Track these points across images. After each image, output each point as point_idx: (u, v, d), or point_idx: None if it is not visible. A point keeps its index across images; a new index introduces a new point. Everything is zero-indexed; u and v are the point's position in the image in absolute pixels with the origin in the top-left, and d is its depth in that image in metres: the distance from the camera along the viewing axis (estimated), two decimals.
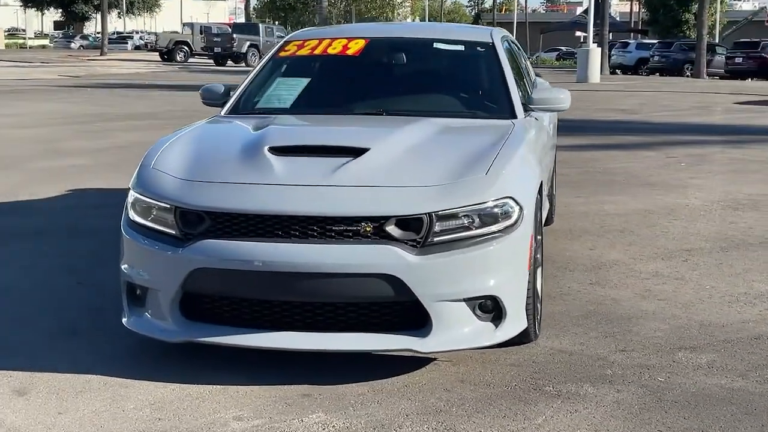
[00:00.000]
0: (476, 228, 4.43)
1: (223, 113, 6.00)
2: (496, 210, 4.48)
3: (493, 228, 4.46)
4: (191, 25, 53.92)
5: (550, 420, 4.10)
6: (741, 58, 42.40)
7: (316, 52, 6.24)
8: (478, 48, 6.29)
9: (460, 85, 6.23)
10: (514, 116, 5.68)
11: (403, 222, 4.36)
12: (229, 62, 47.50)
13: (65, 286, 6.14)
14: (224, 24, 60.07)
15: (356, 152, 4.73)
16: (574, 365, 4.74)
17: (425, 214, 4.36)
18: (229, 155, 4.90)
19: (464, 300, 4.41)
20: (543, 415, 4.15)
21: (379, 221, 4.34)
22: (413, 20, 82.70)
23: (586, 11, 40.01)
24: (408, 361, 4.67)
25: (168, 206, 4.57)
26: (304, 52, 6.28)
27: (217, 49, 47.44)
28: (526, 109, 5.84)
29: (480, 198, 4.46)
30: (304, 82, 6.07)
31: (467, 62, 6.34)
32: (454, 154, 4.83)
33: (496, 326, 4.51)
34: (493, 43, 6.28)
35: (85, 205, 9.01)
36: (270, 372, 4.61)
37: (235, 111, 6.01)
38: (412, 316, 4.43)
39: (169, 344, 4.69)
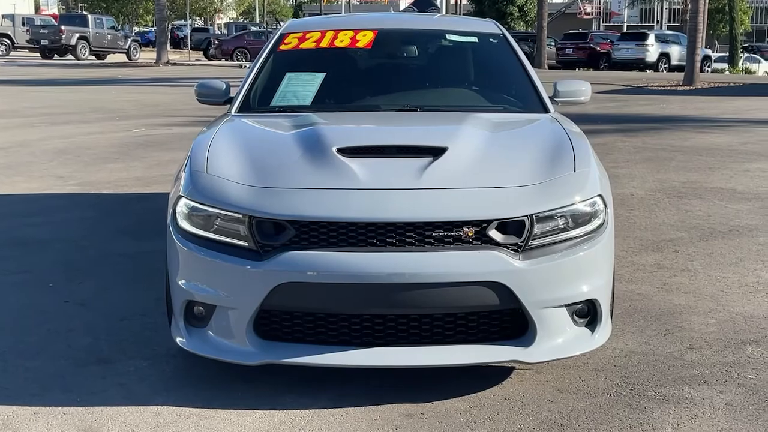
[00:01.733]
0: (571, 229, 4.22)
1: (234, 111, 5.54)
2: (587, 209, 4.28)
3: (587, 228, 4.26)
4: (11, 17, 51.20)
5: (678, 429, 3.94)
6: (571, 49, 43.85)
7: (323, 44, 5.86)
8: (491, 39, 6.06)
9: (484, 78, 6.00)
10: (546, 110, 5.50)
11: (504, 225, 4.10)
12: (56, 56, 45.39)
13: (53, 306, 5.54)
14: (48, 16, 57.34)
15: (434, 152, 4.43)
16: (657, 366, 4.60)
17: (526, 216, 4.12)
18: (293, 158, 4.49)
19: (565, 306, 4.19)
20: (668, 423, 3.98)
21: (481, 225, 4.06)
22: (237, 11, 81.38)
23: (414, 3, 40.33)
24: (488, 372, 4.40)
25: (239, 216, 4.14)
26: (308, 45, 5.88)
27: (44, 42, 45.14)
28: (552, 101, 5.67)
29: (574, 197, 4.26)
30: (319, 77, 5.68)
31: (485, 54, 6.10)
32: (530, 152, 4.60)
33: (592, 331, 4.31)
34: (503, 34, 6.08)
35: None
36: (352, 393, 4.26)
37: (246, 109, 5.56)
38: (514, 325, 4.18)
39: (223, 365, 4.26)
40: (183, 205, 4.34)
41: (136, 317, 5.26)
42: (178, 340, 4.33)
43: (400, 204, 4.09)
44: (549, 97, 5.67)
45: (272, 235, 4.11)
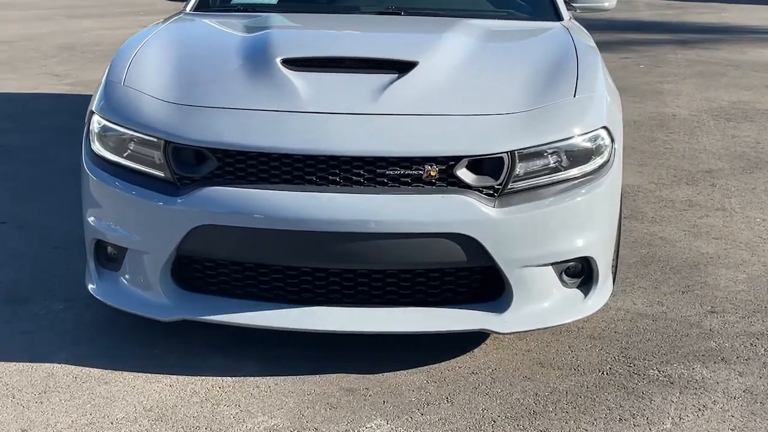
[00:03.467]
0: (565, 169, 3.39)
1: (189, 9, 4.73)
2: (587, 144, 3.45)
3: (586, 168, 3.43)
4: None
5: (680, 424, 3.16)
6: None
7: None
8: None
9: None
10: (559, 17, 4.62)
11: (477, 164, 3.30)
12: None
13: None
14: None
15: (401, 67, 3.60)
16: (667, 335, 3.80)
17: (506, 152, 3.30)
18: (228, 69, 3.70)
19: (552, 264, 3.39)
20: (668, 416, 3.21)
21: (448, 163, 3.26)
22: None
23: None
24: (457, 338, 3.63)
25: (154, 140, 3.38)
26: None
27: None
28: (568, 8, 4.77)
29: (571, 129, 3.42)
30: None
31: None
32: (523, 70, 3.75)
33: (586, 294, 3.52)
34: None
35: None
36: (286, 356, 3.54)
37: (204, 7, 4.76)
38: (486, 286, 3.41)
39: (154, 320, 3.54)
40: (95, 123, 3.58)
41: (74, 247, 4.55)
42: (89, 286, 3.63)
43: (347, 133, 3.29)
44: (565, 1, 4.77)
45: (192, 165, 3.35)
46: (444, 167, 3.26)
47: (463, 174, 3.27)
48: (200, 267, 3.44)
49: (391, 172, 3.26)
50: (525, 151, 3.32)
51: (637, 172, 6.25)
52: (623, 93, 8.98)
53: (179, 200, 3.28)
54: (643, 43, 12.93)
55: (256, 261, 3.37)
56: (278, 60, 3.63)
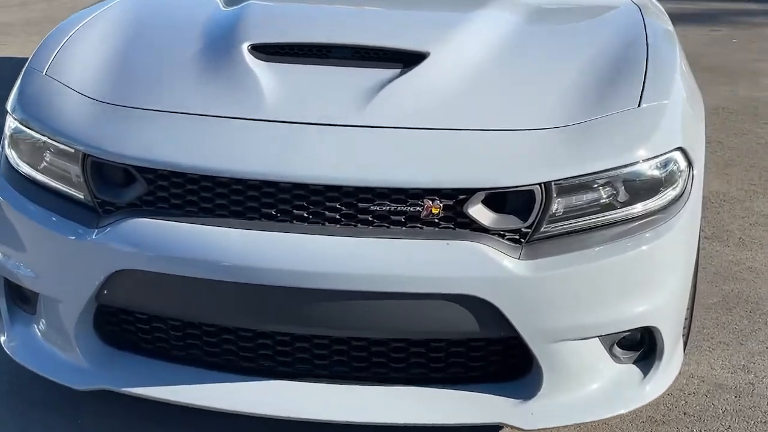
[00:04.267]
0: (622, 206, 2.46)
1: None
2: (655, 172, 2.51)
3: (652, 204, 2.51)
4: None
5: None
6: None
7: None
8: None
9: None
10: None
11: (499, 198, 2.39)
12: None
13: None
14: None
15: (404, 59, 2.69)
16: (755, 420, 2.86)
17: (539, 184, 2.38)
18: (183, 58, 2.83)
19: (599, 336, 2.47)
20: None
21: (457, 197, 2.37)
22: None
23: None
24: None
25: (71, 150, 2.54)
26: None
27: None
28: None
29: (634, 151, 2.49)
30: None
31: None
32: (571, 65, 2.80)
33: (645, 373, 2.59)
34: None
35: None
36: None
37: None
38: (506, 363, 2.51)
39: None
40: (8, 123, 2.76)
41: None
42: (1, 338, 2.82)
43: (321, 152, 2.41)
44: None
45: (117, 187, 2.51)
46: (451, 202, 2.36)
47: (478, 212, 2.37)
48: (131, 319, 2.61)
49: (379, 208, 2.37)
50: (567, 183, 2.40)
51: (723, 174, 5.25)
52: (711, 72, 7.94)
53: (95, 234, 2.44)
54: (736, 14, 11.68)
55: (196, 319, 2.52)
56: (245, 46, 2.76)
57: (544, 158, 2.41)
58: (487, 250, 2.35)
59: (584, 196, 2.44)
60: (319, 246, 2.34)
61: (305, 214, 2.38)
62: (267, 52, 2.74)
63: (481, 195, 2.36)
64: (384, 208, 2.37)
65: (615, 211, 2.46)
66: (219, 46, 2.81)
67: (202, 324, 2.53)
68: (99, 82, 2.69)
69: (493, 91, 2.63)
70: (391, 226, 2.38)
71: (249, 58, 2.70)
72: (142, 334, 2.61)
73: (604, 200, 2.45)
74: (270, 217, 2.39)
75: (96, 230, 2.45)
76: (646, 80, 2.67)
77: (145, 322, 2.59)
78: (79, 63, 2.80)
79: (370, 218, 2.38)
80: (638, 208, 2.48)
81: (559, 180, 2.39)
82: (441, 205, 2.37)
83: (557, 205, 2.41)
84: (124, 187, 2.48)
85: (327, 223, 2.38)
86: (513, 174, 2.38)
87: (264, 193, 2.39)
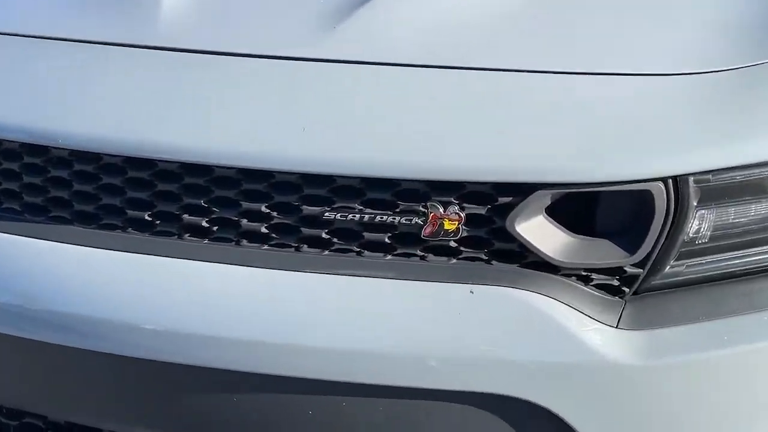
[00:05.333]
0: None
1: None
2: None
3: None
4: None
5: None
6: None
7: None
8: None
9: None
10: None
11: (578, 207, 1.18)
12: None
13: None
14: None
15: None
16: None
17: (661, 179, 1.17)
18: None
19: None
20: None
21: (494, 200, 1.19)
22: None
23: None
24: None
25: None
26: None
27: None
28: None
29: None
30: None
31: None
32: None
33: None
34: None
35: None
36: None
37: None
38: None
39: None
40: None
41: None
42: None
43: (244, 112, 1.25)
44: None
45: None
46: (483, 211, 1.19)
47: (537, 232, 1.19)
48: None
49: (341, 216, 1.21)
50: (721, 179, 1.19)
51: None
52: None
53: None
54: None
55: (31, 409, 1.40)
56: None
57: (675, 130, 1.20)
58: (553, 307, 1.16)
59: (755, 207, 1.22)
60: (223, 284, 1.20)
61: (204, 224, 1.25)
62: None
63: (544, 198, 1.18)
64: (352, 217, 1.21)
65: None
66: None
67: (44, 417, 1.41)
68: None
69: (570, 12, 1.40)
70: (366, 252, 1.22)
71: None
72: None
73: None
74: (140, 226, 1.27)
75: None
76: None
77: None
78: None
79: (324, 236, 1.22)
80: None
81: (705, 173, 1.18)
82: (462, 214, 1.19)
83: (700, 223, 1.20)
84: None
85: (244, 242, 1.24)
86: (611, 158, 1.18)
87: (131, 182, 1.27)
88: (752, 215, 1.22)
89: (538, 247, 1.18)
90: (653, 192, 1.17)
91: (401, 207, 1.21)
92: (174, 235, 1.27)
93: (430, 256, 1.22)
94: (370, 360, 1.17)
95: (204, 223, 1.26)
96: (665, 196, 1.17)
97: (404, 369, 1.17)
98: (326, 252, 1.23)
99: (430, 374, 1.16)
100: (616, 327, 1.18)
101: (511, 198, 1.18)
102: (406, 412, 1.20)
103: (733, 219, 1.22)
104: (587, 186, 1.17)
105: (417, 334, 1.17)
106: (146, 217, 1.27)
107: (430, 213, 1.20)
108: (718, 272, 1.24)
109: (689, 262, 1.22)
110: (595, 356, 1.15)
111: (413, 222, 1.20)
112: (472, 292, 1.17)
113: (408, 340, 1.17)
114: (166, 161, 1.24)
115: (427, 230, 1.20)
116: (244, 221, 1.24)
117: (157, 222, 1.27)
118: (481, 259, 1.21)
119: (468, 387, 1.16)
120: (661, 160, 1.17)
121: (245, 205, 1.24)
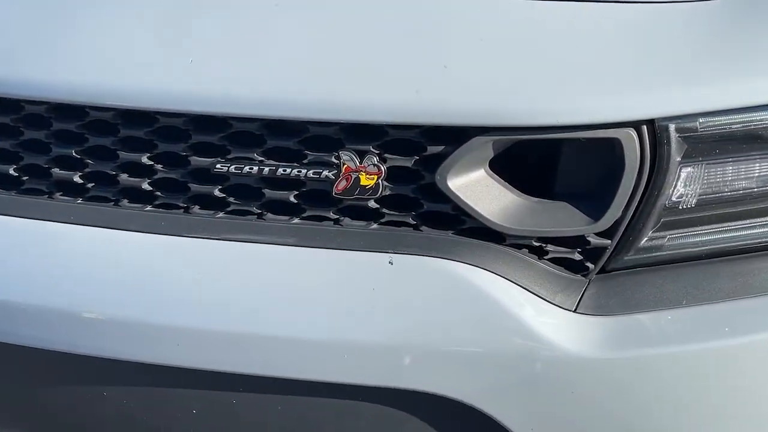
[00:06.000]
0: None
1: None
2: None
3: None
4: None
5: None
6: None
7: None
8: None
9: None
10: None
11: (528, 161, 0.95)
12: None
13: None
14: None
15: None
16: None
17: (632, 124, 0.93)
18: None
19: None
20: None
21: (422, 149, 0.95)
22: None
23: None
24: None
25: None
26: None
27: None
28: None
29: None
30: None
31: None
32: None
33: None
34: None
35: None
36: None
37: None
38: None
39: None
40: None
41: None
42: None
43: (131, 39, 1.03)
44: None
45: None
46: (410, 163, 0.95)
47: (477, 191, 0.94)
48: None
49: (239, 171, 0.98)
50: (711, 125, 0.93)
51: None
52: None
53: None
54: None
55: None
56: None
57: (651, 61, 0.95)
58: (493, 284, 0.92)
59: (759, 165, 0.97)
60: (91, 252, 0.99)
61: (77, 179, 1.03)
62: None
63: (484, 147, 0.94)
64: (249, 170, 0.98)
65: None
66: None
67: None
68: None
69: None
70: (269, 215, 0.99)
71: None
72: None
73: None
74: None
75: None
76: None
77: None
78: None
79: (217, 194, 1.00)
80: None
81: (691, 117, 0.93)
82: (383, 167, 0.95)
83: (687, 183, 0.95)
84: None
85: (124, 201, 1.02)
86: (566, 95, 0.93)
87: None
88: (756, 175, 0.96)
89: (476, 208, 0.94)
90: (622, 141, 0.92)
91: (309, 158, 0.97)
92: (44, 194, 1.05)
93: (347, 220, 0.98)
94: (263, 347, 0.94)
95: (77, 179, 1.03)
96: (638, 146, 0.93)
97: (305, 359, 0.93)
98: (221, 214, 1.01)
99: (336, 366, 0.93)
100: (575, 311, 0.93)
101: (442, 147, 0.94)
102: (309, 413, 0.96)
103: (730, 179, 0.97)
104: (537, 132, 0.92)
105: (319, 316, 0.93)
106: (11, 172, 1.05)
107: (343, 165, 0.96)
108: (711, 248, 0.98)
109: (673, 233, 0.97)
110: (545, 347, 0.90)
111: (323, 176, 0.97)
112: (391, 263, 0.93)
113: (308, 323, 0.93)
114: (30, 102, 1.02)
115: (339, 186, 0.97)
116: (123, 176, 1.02)
117: (24, 178, 1.06)
118: (408, 224, 0.97)
119: (382, 382, 0.92)
120: (632, 98, 0.92)
121: (123, 155, 1.02)
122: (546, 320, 0.92)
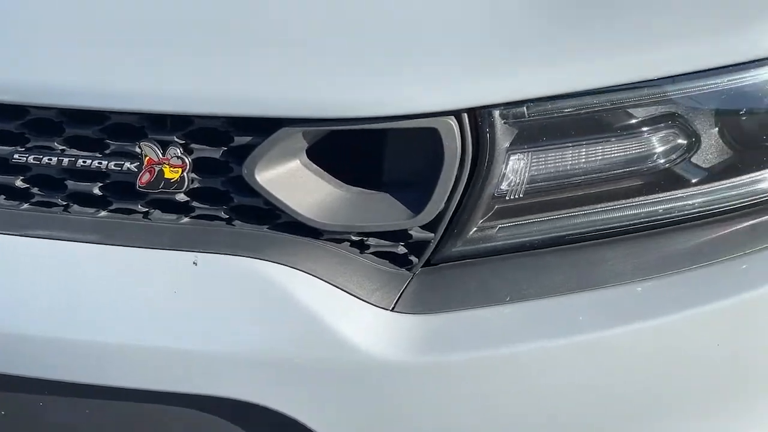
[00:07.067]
0: (717, 176, 0.94)
1: None
2: None
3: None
4: None
5: None
6: None
7: None
8: None
9: None
10: None
11: (342, 150, 0.89)
12: None
13: None
14: None
15: None
16: None
17: (452, 113, 0.86)
18: None
19: None
20: None
21: (229, 139, 0.90)
22: None
23: None
24: None
25: None
26: None
27: None
28: None
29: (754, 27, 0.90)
30: None
31: None
32: None
33: None
34: None
35: None
36: None
37: None
38: None
39: None
40: None
41: None
42: None
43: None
44: None
45: None
46: (217, 153, 0.89)
47: (285, 182, 0.88)
48: None
49: (39, 161, 0.92)
50: (539, 112, 0.87)
51: None
52: None
53: None
54: None
55: None
56: None
57: (468, 42, 0.88)
58: (300, 284, 0.87)
59: (587, 150, 0.90)
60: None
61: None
62: None
63: (294, 138, 0.88)
64: (48, 161, 0.92)
65: (692, 190, 0.92)
66: None
67: None
68: None
69: None
70: (75, 207, 0.93)
71: None
72: None
73: (659, 161, 0.91)
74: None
75: None
76: None
77: None
78: None
79: (19, 184, 0.94)
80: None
81: (518, 104, 0.87)
82: (188, 159, 0.89)
83: (516, 171, 0.89)
84: None
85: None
86: (375, 83, 0.86)
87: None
88: (585, 160, 0.90)
89: (286, 202, 0.88)
90: (440, 130, 0.86)
91: (111, 148, 0.90)
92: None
93: (157, 213, 0.92)
94: (62, 352, 0.89)
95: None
96: (458, 135, 0.86)
97: (106, 364, 0.88)
98: (25, 205, 0.94)
99: (138, 372, 0.88)
100: (392, 310, 0.88)
101: (250, 138, 0.87)
102: (120, 418, 0.92)
103: (561, 166, 0.90)
104: (346, 123, 0.85)
105: (120, 319, 0.88)
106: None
107: (145, 157, 0.89)
108: (545, 237, 0.93)
109: (504, 222, 0.91)
110: (349, 351, 0.85)
111: (125, 168, 0.90)
112: (195, 264, 0.88)
113: (108, 326, 0.88)
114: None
115: (142, 179, 0.90)
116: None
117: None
118: (221, 219, 0.91)
119: (185, 389, 0.88)
120: (449, 86, 0.85)
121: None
122: (356, 322, 0.87)
